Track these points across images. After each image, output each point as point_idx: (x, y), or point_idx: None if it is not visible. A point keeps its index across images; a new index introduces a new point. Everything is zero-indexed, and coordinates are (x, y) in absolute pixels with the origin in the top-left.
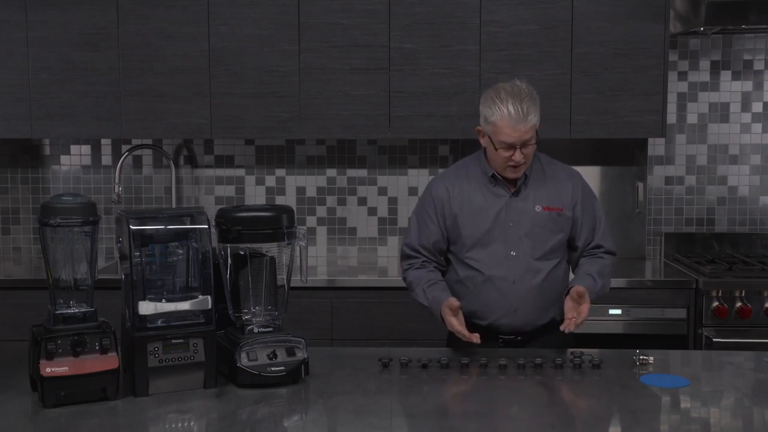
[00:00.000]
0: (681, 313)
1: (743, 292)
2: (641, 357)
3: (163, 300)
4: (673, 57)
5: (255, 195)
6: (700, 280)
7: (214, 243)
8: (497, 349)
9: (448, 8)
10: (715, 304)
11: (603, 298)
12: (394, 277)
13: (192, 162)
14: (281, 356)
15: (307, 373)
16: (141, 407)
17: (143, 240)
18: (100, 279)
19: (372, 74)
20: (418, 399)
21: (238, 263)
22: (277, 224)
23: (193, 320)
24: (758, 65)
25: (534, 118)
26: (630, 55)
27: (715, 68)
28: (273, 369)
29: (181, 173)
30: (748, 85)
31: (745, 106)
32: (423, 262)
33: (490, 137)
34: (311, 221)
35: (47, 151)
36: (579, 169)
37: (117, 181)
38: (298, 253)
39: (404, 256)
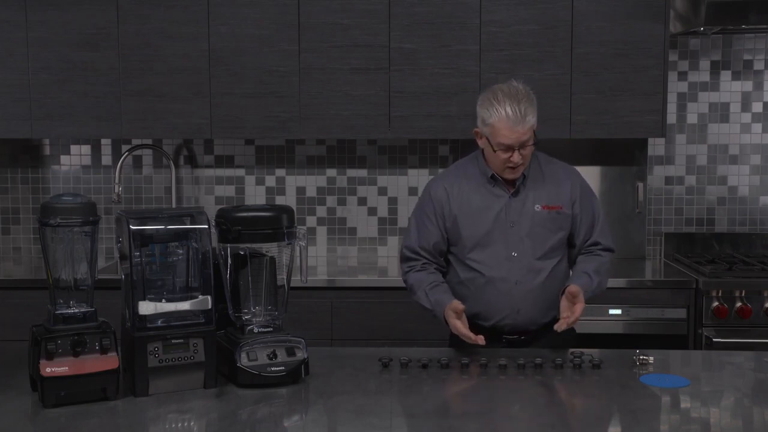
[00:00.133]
0: (681, 313)
1: (743, 292)
2: (641, 357)
3: (163, 300)
4: (673, 57)
5: (255, 195)
6: (700, 280)
7: (214, 243)
8: (498, 349)
9: (448, 8)
10: (715, 304)
11: (603, 298)
12: (394, 277)
13: (192, 162)
14: (281, 356)
15: (307, 373)
16: (141, 407)
17: (143, 240)
18: (100, 279)
19: (372, 74)
20: (418, 399)
21: (238, 263)
22: (277, 224)
23: (193, 320)
24: (758, 65)
25: (532, 119)
26: (630, 55)
27: (715, 68)
28: (273, 369)
29: (181, 173)
30: (748, 85)
31: (745, 106)
32: (423, 264)
33: (488, 139)
34: (311, 221)
35: (47, 151)
36: (579, 169)
37: (117, 181)
38: (298, 253)
39: (404, 259)
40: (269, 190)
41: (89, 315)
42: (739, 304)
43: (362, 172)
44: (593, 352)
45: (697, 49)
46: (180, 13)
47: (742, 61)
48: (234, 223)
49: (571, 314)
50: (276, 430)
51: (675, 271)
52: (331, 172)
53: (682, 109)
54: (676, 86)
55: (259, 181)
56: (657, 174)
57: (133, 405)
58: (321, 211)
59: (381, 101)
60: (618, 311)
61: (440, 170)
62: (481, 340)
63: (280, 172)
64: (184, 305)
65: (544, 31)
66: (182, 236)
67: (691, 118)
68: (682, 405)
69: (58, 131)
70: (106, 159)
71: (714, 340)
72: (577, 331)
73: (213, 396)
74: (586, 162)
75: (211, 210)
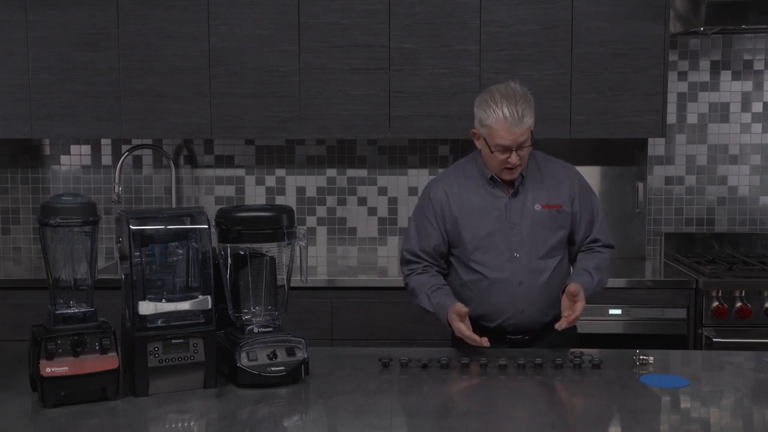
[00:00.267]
0: (681, 313)
1: (743, 292)
2: (641, 357)
3: (163, 300)
4: (673, 57)
5: (255, 195)
6: (700, 280)
7: (214, 243)
8: (501, 349)
9: (448, 8)
10: (715, 304)
11: (603, 298)
12: (394, 277)
13: (192, 162)
14: (281, 356)
15: (307, 373)
16: (141, 407)
17: (143, 240)
18: (100, 279)
19: (372, 74)
20: (418, 399)
21: (238, 263)
22: (277, 224)
23: (193, 320)
24: (758, 65)
25: (529, 120)
26: (630, 55)
27: (715, 68)
28: (273, 369)
29: (181, 173)
30: (748, 85)
31: (745, 106)
32: (425, 266)
33: (485, 140)
34: (311, 221)
35: (47, 151)
36: (579, 169)
37: (117, 181)
38: (298, 253)
39: (405, 262)
40: (269, 190)
41: (89, 315)
42: (739, 304)
43: (362, 172)
44: (593, 352)
45: (697, 49)
46: (180, 13)
47: (742, 61)
48: (234, 223)
49: (572, 313)
50: (276, 430)
51: (675, 271)
52: (331, 172)
53: (682, 109)
54: (676, 86)
55: (259, 181)
56: (657, 174)
57: (133, 405)
58: (321, 211)
59: (381, 101)
60: (618, 311)
61: (440, 170)
62: (485, 341)
63: (280, 172)
64: (184, 305)
65: (544, 31)
66: (182, 236)
67: (691, 118)
68: (682, 405)
69: (58, 131)
70: (106, 159)
71: (714, 340)
72: (578, 330)
73: (213, 396)
74: (586, 162)
75: (211, 210)
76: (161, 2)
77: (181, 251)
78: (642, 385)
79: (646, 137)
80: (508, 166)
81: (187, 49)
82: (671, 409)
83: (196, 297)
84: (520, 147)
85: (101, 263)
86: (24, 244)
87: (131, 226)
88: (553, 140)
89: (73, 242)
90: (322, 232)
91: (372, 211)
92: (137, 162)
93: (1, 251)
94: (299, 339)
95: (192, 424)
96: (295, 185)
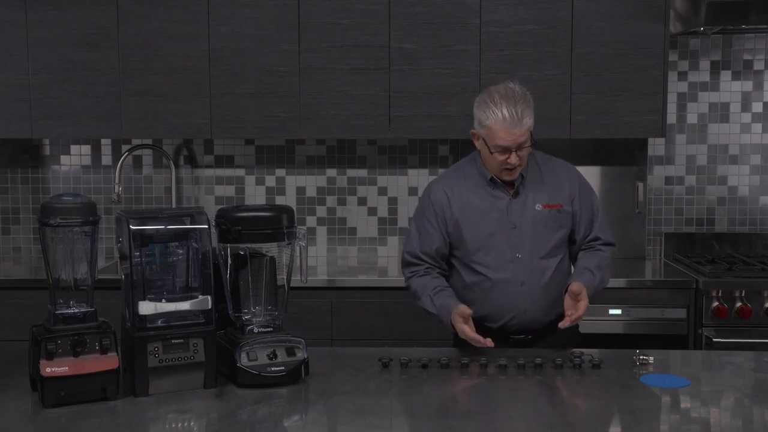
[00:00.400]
0: (681, 313)
1: (743, 292)
2: (641, 357)
3: (163, 300)
4: (673, 57)
5: (255, 195)
6: (700, 280)
7: (214, 243)
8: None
9: (448, 8)
10: (715, 304)
11: (603, 298)
12: (394, 277)
13: (192, 162)
14: (281, 356)
15: (307, 373)
16: (141, 407)
17: (143, 240)
18: (100, 279)
19: (372, 74)
20: (418, 399)
21: (238, 263)
22: (277, 224)
23: (193, 320)
24: (758, 65)
25: (528, 121)
26: (630, 55)
27: (715, 68)
28: (273, 369)
29: (181, 173)
30: (748, 85)
31: (745, 106)
32: (426, 268)
33: (484, 140)
34: (311, 221)
35: (47, 151)
36: (579, 169)
37: (117, 181)
38: (298, 253)
39: (406, 264)
40: (269, 190)
41: (89, 315)
42: (739, 304)
43: (362, 172)
44: (593, 352)
45: (697, 49)
46: (180, 13)
47: (742, 61)
48: (234, 223)
49: (575, 312)
50: (276, 430)
51: (675, 271)
52: (331, 172)
53: (682, 109)
54: (676, 86)
55: (259, 181)
56: (657, 174)
57: (133, 405)
58: (321, 211)
59: (381, 101)
60: (618, 311)
61: (440, 170)
62: (490, 343)
63: (280, 172)
64: (184, 305)
65: (544, 31)
66: (182, 236)
67: (691, 118)
68: (682, 405)
69: (58, 131)
70: (106, 159)
71: (714, 340)
72: (580, 330)
73: (213, 396)
74: (586, 162)
75: (211, 210)
76: (161, 2)
77: (181, 251)
78: (642, 385)
79: (646, 137)
80: (508, 166)
81: (187, 49)
82: (671, 409)
83: (196, 297)
84: (519, 148)
85: (101, 263)
86: (24, 244)
87: (131, 226)
88: (553, 140)
89: (73, 242)
90: (322, 232)
91: (372, 211)
92: (137, 162)
93: (1, 251)
94: (299, 339)
95: (192, 424)
96: (295, 185)
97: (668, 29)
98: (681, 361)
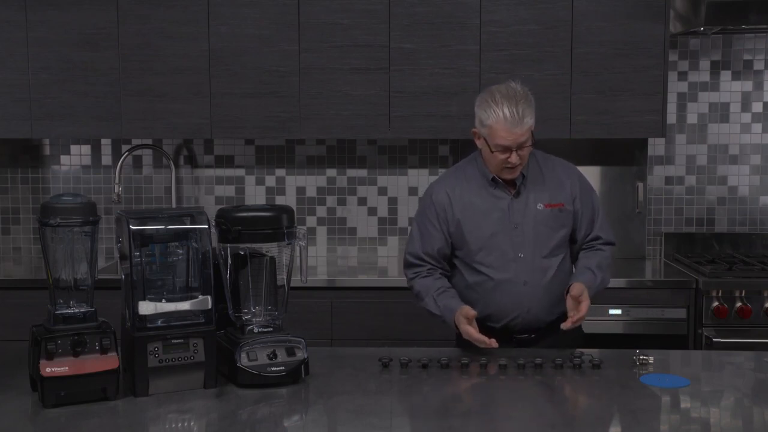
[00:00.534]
0: (681, 313)
1: (743, 292)
2: (641, 357)
3: (163, 300)
4: (673, 57)
5: (255, 195)
6: (700, 280)
7: (214, 243)
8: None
9: (448, 8)
10: (715, 304)
11: (603, 298)
12: (394, 277)
13: (192, 162)
14: (281, 356)
15: (307, 373)
16: (141, 407)
17: (143, 240)
18: (100, 279)
19: (372, 74)
20: (418, 399)
21: (238, 263)
22: (277, 224)
23: (193, 320)
24: (758, 65)
25: (529, 120)
26: (630, 55)
27: (715, 68)
28: (273, 369)
29: (181, 173)
30: (748, 85)
31: (745, 106)
32: (429, 270)
33: (485, 139)
34: (311, 221)
35: (47, 151)
36: (579, 169)
37: (117, 181)
38: (298, 253)
39: (408, 265)
40: (269, 190)
41: (89, 315)
42: (739, 304)
43: (362, 172)
44: (593, 352)
45: (697, 49)
46: (180, 13)
47: (742, 61)
48: (234, 223)
49: (577, 313)
50: (276, 430)
51: (675, 271)
52: (331, 172)
53: (682, 109)
54: (676, 86)
55: (259, 181)
56: (657, 174)
57: (133, 405)
58: (321, 211)
59: (381, 101)
60: (618, 311)
61: (440, 170)
62: (494, 343)
63: (280, 172)
64: (184, 305)
65: (544, 31)
66: (182, 236)
67: (691, 118)
68: (682, 405)
69: (58, 131)
70: (106, 159)
71: (714, 340)
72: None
73: (213, 396)
74: (586, 162)
75: (211, 210)
76: (161, 2)
77: (181, 251)
78: (642, 385)
79: (646, 137)
80: (509, 165)
81: (187, 49)
82: (671, 409)
83: (196, 297)
84: (520, 147)
85: (101, 263)
86: (24, 244)
87: (131, 226)
88: (553, 140)
89: (73, 242)
90: (322, 232)
91: (372, 211)
92: (137, 162)
93: (1, 251)
94: (299, 339)
95: (192, 424)
96: (295, 185)
97: (668, 29)
98: (681, 361)
